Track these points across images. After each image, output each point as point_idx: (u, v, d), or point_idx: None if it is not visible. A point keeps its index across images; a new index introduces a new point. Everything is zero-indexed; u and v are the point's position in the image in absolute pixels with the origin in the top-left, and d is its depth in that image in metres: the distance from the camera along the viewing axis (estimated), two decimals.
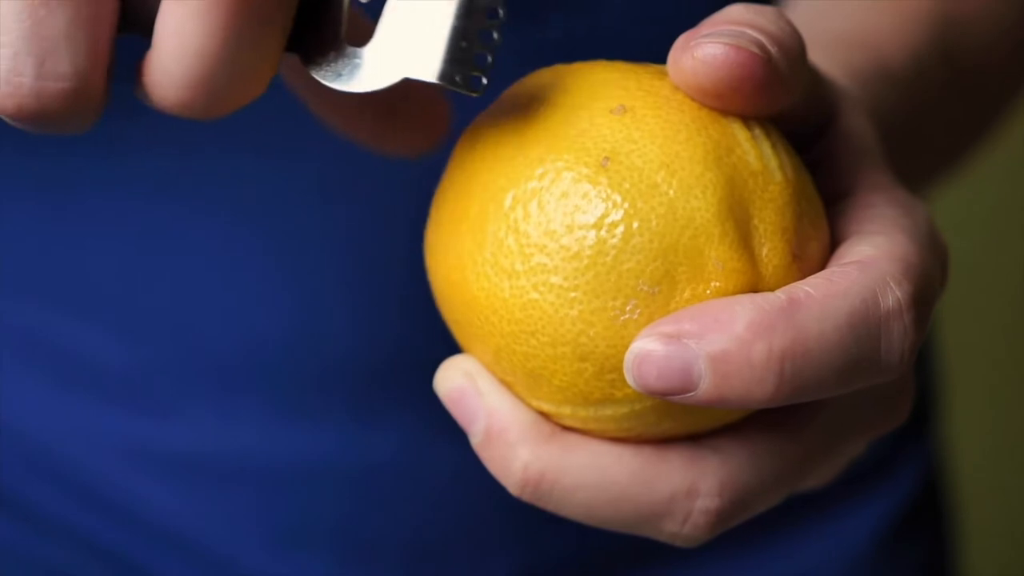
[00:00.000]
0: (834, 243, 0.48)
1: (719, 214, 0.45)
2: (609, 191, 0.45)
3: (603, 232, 0.45)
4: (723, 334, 0.43)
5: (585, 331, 0.45)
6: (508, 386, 0.48)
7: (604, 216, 0.45)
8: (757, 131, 0.47)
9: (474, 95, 0.45)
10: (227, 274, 0.66)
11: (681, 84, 0.46)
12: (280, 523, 0.68)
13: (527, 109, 0.47)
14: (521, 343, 0.46)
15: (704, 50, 0.45)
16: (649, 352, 0.44)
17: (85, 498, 0.69)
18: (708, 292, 0.45)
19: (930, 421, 0.77)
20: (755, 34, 0.45)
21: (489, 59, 0.45)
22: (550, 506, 0.47)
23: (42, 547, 0.70)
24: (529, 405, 0.48)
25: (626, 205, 0.45)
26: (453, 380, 0.48)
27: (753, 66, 0.45)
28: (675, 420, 0.47)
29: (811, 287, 0.44)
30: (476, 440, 0.48)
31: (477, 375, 0.48)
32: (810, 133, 0.50)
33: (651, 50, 0.55)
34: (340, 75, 0.45)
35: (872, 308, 0.44)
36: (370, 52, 0.45)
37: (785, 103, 0.47)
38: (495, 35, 0.45)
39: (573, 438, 0.47)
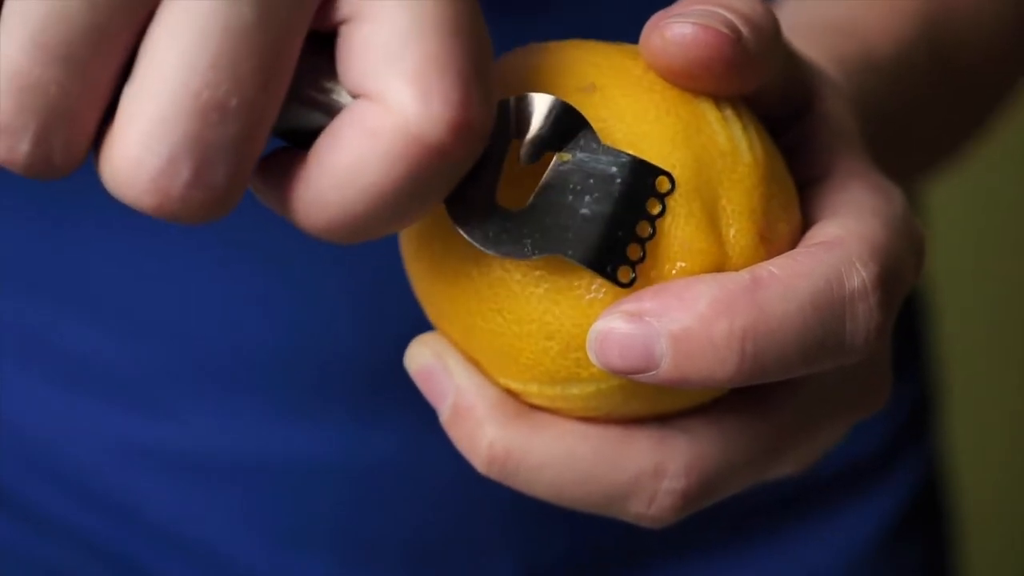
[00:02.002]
0: (806, 226, 0.47)
1: (685, 194, 0.45)
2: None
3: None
4: (685, 312, 0.43)
5: (551, 309, 0.45)
6: (476, 364, 0.48)
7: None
8: (728, 112, 0.46)
9: (624, 288, 0.44)
10: (227, 274, 0.66)
11: (652, 64, 0.46)
12: (280, 523, 0.68)
13: (499, 88, 0.46)
14: (488, 320, 0.46)
15: (673, 30, 0.45)
16: (611, 330, 0.44)
17: (85, 498, 0.69)
18: (674, 272, 0.45)
19: (930, 421, 0.77)
20: (726, 14, 0.45)
21: (642, 254, 0.44)
22: (517, 484, 0.47)
23: (42, 547, 0.70)
24: (497, 383, 0.47)
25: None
26: (422, 357, 0.48)
27: (722, 46, 0.45)
28: (643, 400, 0.46)
29: (775, 267, 0.44)
30: (444, 417, 0.47)
31: (445, 353, 0.47)
32: (788, 116, 0.50)
33: None
34: (487, 237, 0.44)
35: (837, 288, 0.44)
36: (521, 219, 0.44)
37: (756, 83, 0.46)
38: (651, 229, 0.44)
39: (540, 416, 0.47)
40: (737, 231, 0.46)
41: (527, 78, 0.46)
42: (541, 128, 0.44)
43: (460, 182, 0.43)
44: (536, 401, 0.47)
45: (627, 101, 0.46)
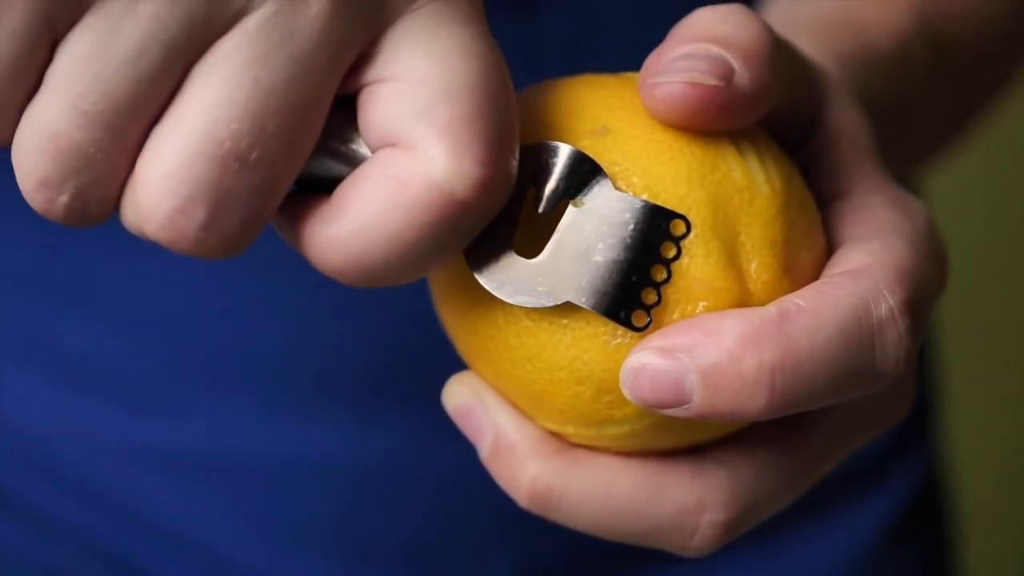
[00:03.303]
0: (831, 247, 0.48)
1: (702, 234, 0.45)
2: None
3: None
4: (714, 348, 0.44)
5: (579, 356, 0.45)
6: (513, 405, 0.48)
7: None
8: (743, 143, 0.46)
9: (637, 332, 0.45)
10: (227, 274, 0.66)
11: (654, 115, 0.46)
12: (280, 523, 0.68)
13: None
14: (519, 368, 0.46)
15: (662, 90, 0.45)
16: (643, 365, 0.44)
17: (85, 498, 0.69)
18: (697, 312, 0.45)
19: (930, 421, 0.77)
20: (716, 52, 0.45)
21: (657, 298, 0.45)
22: (558, 518, 0.47)
23: (42, 547, 0.70)
24: (534, 424, 0.48)
25: None
26: (460, 396, 0.49)
27: (713, 97, 0.45)
28: (678, 434, 0.47)
29: (802, 299, 0.44)
30: (485, 455, 0.48)
31: (483, 392, 0.48)
32: (799, 130, 0.50)
33: (651, 46, 0.55)
34: (504, 284, 0.45)
35: (864, 318, 0.44)
36: (537, 267, 0.45)
37: (760, 114, 0.47)
38: (666, 273, 0.45)
39: (579, 452, 0.47)
40: (758, 265, 0.46)
41: (540, 121, 0.47)
42: (557, 177, 0.45)
43: (485, 231, 0.44)
44: (574, 440, 0.47)
45: (640, 143, 0.46)
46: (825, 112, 0.50)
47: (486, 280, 0.45)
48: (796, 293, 0.45)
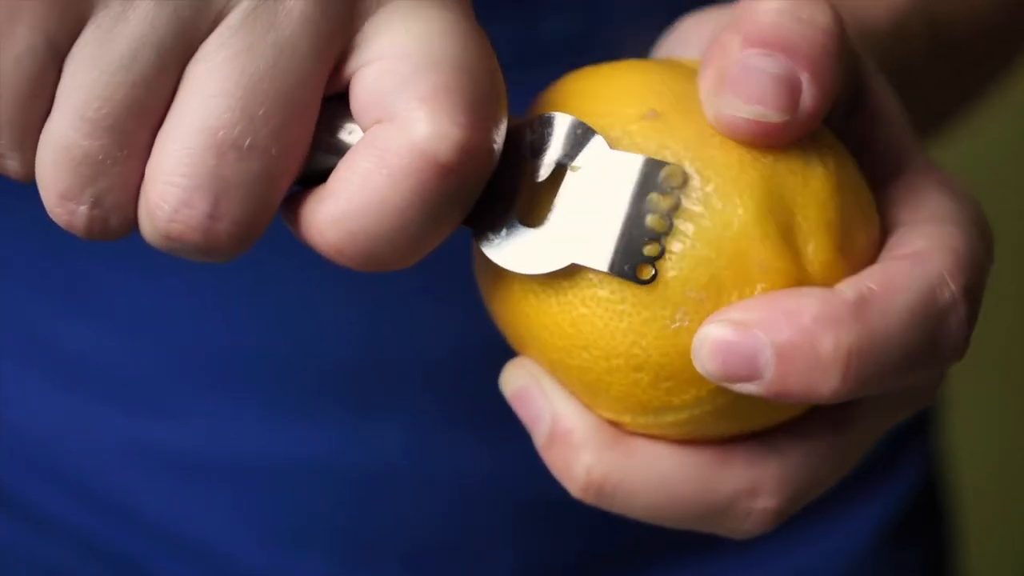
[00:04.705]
0: (884, 229, 0.48)
1: (758, 216, 0.45)
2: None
3: None
4: (790, 325, 0.44)
5: (637, 342, 0.45)
6: (569, 394, 0.48)
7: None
8: None
9: (643, 285, 0.45)
10: (227, 274, 0.66)
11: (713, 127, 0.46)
12: (280, 523, 0.68)
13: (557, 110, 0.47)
14: (574, 357, 0.46)
15: (725, 119, 0.45)
16: (718, 338, 0.44)
17: (85, 498, 0.69)
18: (755, 294, 0.45)
19: (930, 421, 0.77)
20: (784, 67, 0.45)
21: (661, 250, 0.45)
22: (613, 508, 0.48)
23: (42, 547, 0.70)
24: (592, 412, 0.48)
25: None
26: (519, 380, 0.49)
27: (777, 132, 0.45)
28: (735, 421, 0.47)
29: (873, 283, 0.45)
30: (540, 441, 0.48)
31: (541, 377, 0.48)
32: (842, 105, 0.50)
33: (651, 44, 0.54)
34: (509, 254, 0.45)
35: (930, 303, 0.45)
36: (541, 234, 0.45)
37: (821, 119, 0.47)
38: (670, 221, 0.45)
39: (636, 442, 0.47)
40: (815, 247, 0.46)
41: (585, 104, 0.47)
42: (554, 146, 0.46)
43: (482, 204, 0.45)
44: (631, 428, 0.47)
45: (691, 127, 0.46)
46: (867, 92, 0.50)
47: (490, 250, 0.46)
48: (865, 275, 0.45)
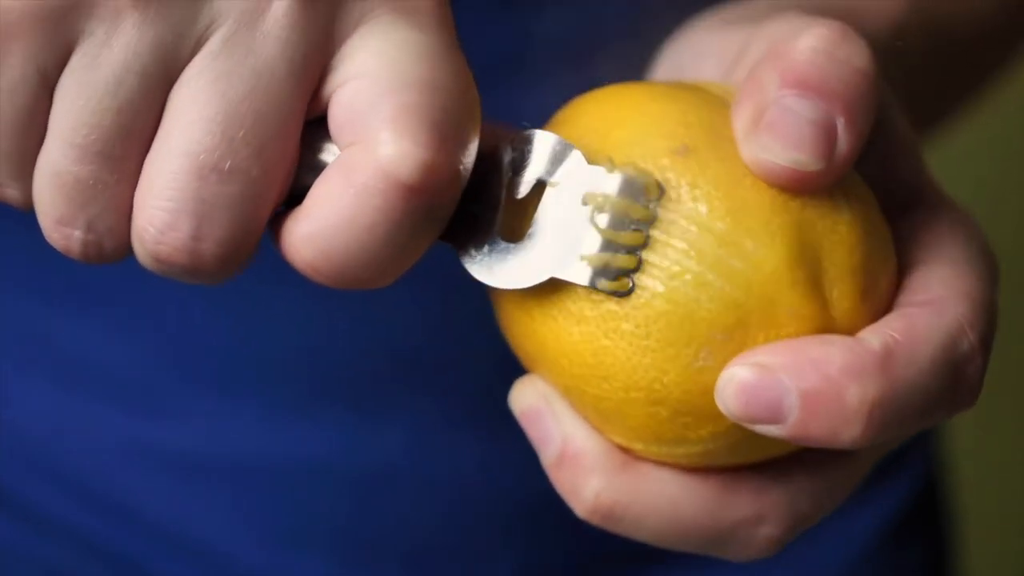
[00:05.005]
0: (899, 268, 0.48)
1: (789, 261, 0.45)
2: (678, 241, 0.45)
3: (675, 283, 0.45)
4: (817, 373, 0.44)
5: (659, 378, 0.45)
6: (581, 416, 0.48)
7: (674, 265, 0.45)
8: None
9: (621, 298, 0.45)
10: None
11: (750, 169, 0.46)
12: (280, 523, 0.68)
13: (582, 145, 0.47)
14: (592, 386, 0.46)
15: (762, 164, 0.45)
16: (743, 380, 0.45)
17: (85, 498, 0.69)
18: (781, 338, 0.45)
19: None
20: (823, 113, 0.45)
21: (638, 262, 0.45)
22: (618, 531, 0.48)
23: (42, 547, 0.70)
24: (602, 435, 0.48)
25: (695, 254, 0.45)
26: (529, 399, 0.49)
27: (814, 180, 0.45)
28: (746, 454, 0.47)
29: (897, 332, 0.45)
30: (548, 461, 0.48)
31: (552, 398, 0.49)
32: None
33: (652, 43, 0.54)
34: (491, 270, 0.46)
35: (951, 354, 0.45)
36: (521, 249, 0.46)
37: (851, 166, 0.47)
38: (645, 237, 0.45)
39: (645, 468, 0.48)
40: (840, 292, 0.46)
41: (613, 131, 0.46)
42: (533, 162, 0.46)
43: (464, 221, 0.46)
44: (641, 455, 0.48)
45: (723, 166, 0.45)
46: (884, 123, 0.50)
47: (472, 266, 0.46)
48: (888, 323, 0.46)
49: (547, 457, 0.48)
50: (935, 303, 0.46)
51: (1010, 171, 1.51)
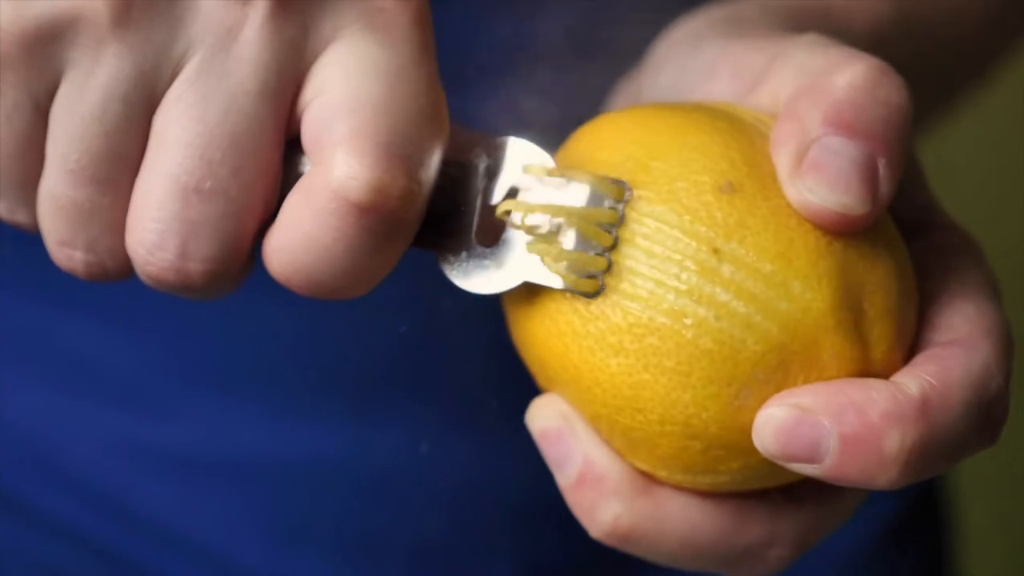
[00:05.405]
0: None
1: (834, 304, 0.45)
2: (726, 284, 0.45)
3: (722, 323, 0.45)
4: (858, 418, 0.44)
5: (698, 414, 0.45)
6: (603, 439, 0.48)
7: (721, 307, 0.45)
8: None
9: (591, 298, 0.46)
10: None
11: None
12: (280, 523, 0.68)
13: (621, 173, 0.47)
14: (625, 416, 0.46)
15: (809, 206, 0.45)
16: (783, 420, 0.45)
17: (85, 498, 0.69)
18: (821, 379, 0.45)
19: None
20: (866, 157, 0.45)
21: (608, 264, 0.46)
22: (631, 552, 0.48)
23: (42, 547, 0.70)
24: (623, 459, 0.48)
25: (744, 297, 0.45)
26: (549, 420, 0.49)
27: (858, 222, 0.46)
28: (764, 481, 0.47)
29: (932, 377, 0.46)
30: (567, 482, 0.49)
31: (573, 419, 0.49)
32: None
33: (652, 43, 0.54)
34: (469, 276, 0.47)
35: (982, 396, 0.46)
36: (496, 254, 0.47)
37: None
38: (613, 238, 0.46)
39: (664, 492, 0.48)
40: (878, 334, 0.46)
41: (655, 161, 0.46)
42: (506, 167, 0.47)
43: (444, 228, 0.47)
44: (662, 479, 0.48)
45: (768, 204, 0.46)
46: None
47: (452, 273, 0.47)
48: (922, 366, 0.46)
49: (565, 478, 0.49)
50: (963, 344, 0.47)
51: (1006, 170, 1.51)
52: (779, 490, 0.48)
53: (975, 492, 1.27)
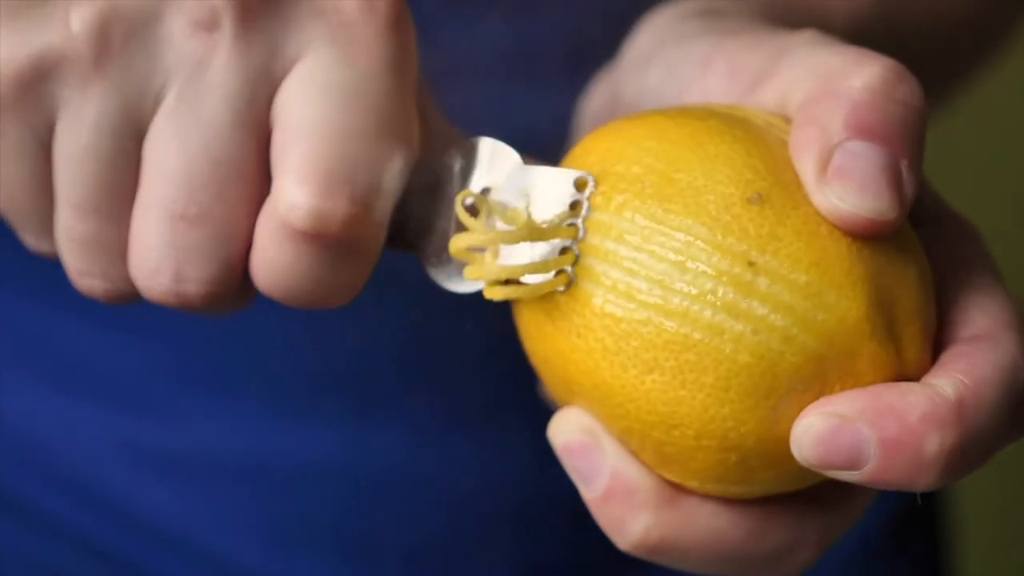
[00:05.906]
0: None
1: (868, 311, 0.45)
2: (763, 298, 0.45)
3: (760, 336, 0.45)
4: (897, 423, 0.44)
5: (736, 428, 0.45)
6: (629, 451, 0.48)
7: (759, 321, 0.45)
8: None
9: (562, 291, 0.46)
10: None
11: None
12: (280, 523, 0.68)
13: (642, 183, 0.46)
14: (659, 432, 0.46)
15: (841, 214, 0.45)
16: (822, 429, 0.45)
17: (85, 498, 0.69)
18: (858, 386, 0.45)
19: None
20: (891, 162, 0.45)
21: (576, 256, 0.46)
22: (660, 562, 0.48)
23: (42, 547, 0.70)
24: (650, 470, 0.48)
25: (781, 310, 0.45)
26: (572, 433, 0.49)
27: (887, 228, 0.45)
28: (790, 486, 0.47)
29: (965, 376, 0.45)
30: (593, 495, 0.48)
31: (598, 431, 0.48)
32: None
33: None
34: (451, 276, 0.48)
35: (1013, 392, 0.46)
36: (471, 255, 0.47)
37: None
38: (580, 230, 0.46)
39: (693, 502, 0.48)
40: (909, 335, 0.46)
41: (679, 173, 0.46)
42: (478, 168, 0.48)
43: (425, 229, 0.48)
44: (690, 488, 0.47)
45: (797, 213, 0.45)
46: None
47: (435, 274, 0.48)
48: (953, 366, 0.46)
49: (592, 491, 0.48)
50: (987, 339, 0.46)
51: (998, 162, 1.51)
52: (802, 493, 0.48)
53: (974, 492, 1.27)
